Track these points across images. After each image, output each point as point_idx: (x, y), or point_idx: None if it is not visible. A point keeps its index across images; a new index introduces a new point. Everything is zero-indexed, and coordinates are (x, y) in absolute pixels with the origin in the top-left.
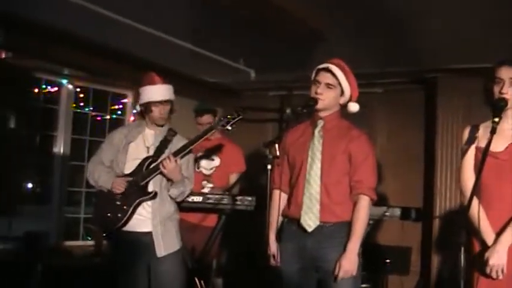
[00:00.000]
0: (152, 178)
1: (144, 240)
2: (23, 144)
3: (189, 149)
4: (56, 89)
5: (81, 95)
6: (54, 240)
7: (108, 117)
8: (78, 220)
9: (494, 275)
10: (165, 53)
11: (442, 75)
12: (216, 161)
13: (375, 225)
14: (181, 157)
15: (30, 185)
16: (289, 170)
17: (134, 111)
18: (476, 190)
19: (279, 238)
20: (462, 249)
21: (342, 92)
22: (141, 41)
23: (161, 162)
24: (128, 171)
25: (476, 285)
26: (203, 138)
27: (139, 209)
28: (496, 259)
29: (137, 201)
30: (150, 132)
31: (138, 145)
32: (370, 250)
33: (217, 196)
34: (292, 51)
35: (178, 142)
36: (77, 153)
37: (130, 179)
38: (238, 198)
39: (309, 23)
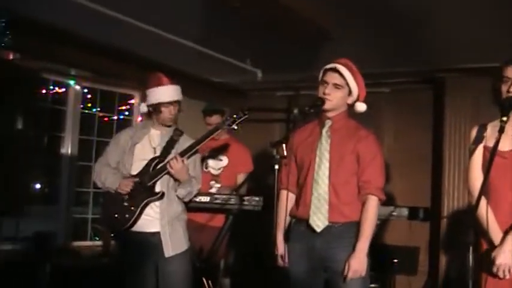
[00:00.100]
0: (159, 178)
1: (152, 241)
2: (31, 145)
3: (195, 149)
4: (63, 89)
5: (89, 96)
6: (62, 240)
7: (115, 117)
8: (86, 220)
9: (501, 274)
10: (171, 53)
11: (450, 74)
12: (224, 161)
13: (382, 225)
14: (188, 157)
15: (38, 186)
16: (297, 170)
17: (141, 111)
18: (484, 190)
19: (286, 238)
20: (470, 249)
21: (350, 92)
22: (148, 42)
23: (168, 162)
24: (134, 172)
25: (484, 285)
26: (209, 138)
27: (147, 210)
28: (503, 258)
29: (145, 201)
30: (156, 132)
31: (144, 146)
32: (377, 250)
33: (224, 196)
34: (299, 51)
35: (184, 142)
36: (84, 154)
37: (137, 179)
38: (246, 198)
39: (316, 23)
